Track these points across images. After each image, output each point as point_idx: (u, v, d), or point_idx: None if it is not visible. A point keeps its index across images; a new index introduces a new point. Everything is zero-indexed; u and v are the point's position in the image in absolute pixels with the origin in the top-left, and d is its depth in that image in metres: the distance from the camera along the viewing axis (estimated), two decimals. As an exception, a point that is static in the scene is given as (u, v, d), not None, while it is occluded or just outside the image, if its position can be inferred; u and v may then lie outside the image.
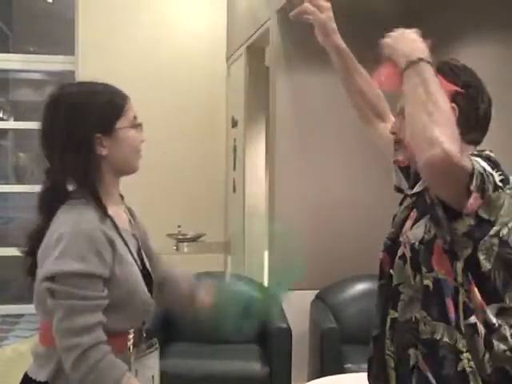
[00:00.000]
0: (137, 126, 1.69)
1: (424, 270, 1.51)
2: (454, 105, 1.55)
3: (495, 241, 1.45)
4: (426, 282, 1.50)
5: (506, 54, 3.47)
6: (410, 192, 1.70)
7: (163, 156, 5.51)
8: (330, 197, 4.33)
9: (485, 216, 1.42)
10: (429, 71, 1.42)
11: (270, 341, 3.81)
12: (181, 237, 5.34)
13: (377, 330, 1.68)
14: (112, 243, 1.59)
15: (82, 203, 1.60)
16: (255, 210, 5.11)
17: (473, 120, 1.57)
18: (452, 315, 1.46)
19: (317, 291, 4.21)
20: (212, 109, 5.75)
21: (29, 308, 6.38)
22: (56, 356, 1.56)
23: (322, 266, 4.26)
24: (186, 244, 5.37)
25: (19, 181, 8.73)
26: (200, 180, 5.69)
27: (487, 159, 1.47)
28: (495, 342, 1.45)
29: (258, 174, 5.11)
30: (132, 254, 1.68)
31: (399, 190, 1.80)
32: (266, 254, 4.63)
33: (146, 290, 1.68)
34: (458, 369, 1.45)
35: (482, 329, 1.45)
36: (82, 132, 1.59)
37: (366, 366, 1.74)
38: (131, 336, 1.67)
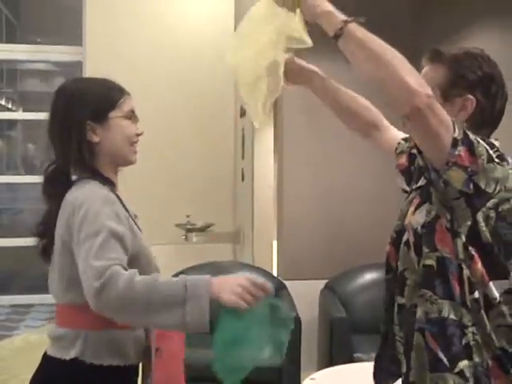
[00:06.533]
0: (131, 117, 1.74)
1: (426, 250, 1.51)
2: (471, 96, 1.53)
3: (492, 214, 1.45)
4: (428, 261, 1.51)
5: (508, 40, 3.47)
6: (414, 186, 1.69)
7: (172, 146, 5.51)
8: (339, 186, 4.32)
9: (481, 185, 1.42)
10: (358, 30, 1.44)
11: (280, 330, 3.81)
12: (189, 227, 5.34)
13: (385, 326, 1.68)
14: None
15: (89, 182, 1.67)
16: (264, 200, 5.10)
17: (488, 116, 1.56)
18: (457, 292, 1.47)
19: (326, 280, 4.20)
20: (220, 98, 5.73)
21: (39, 298, 6.45)
22: (80, 333, 1.61)
23: (331, 255, 4.26)
24: (194, 234, 5.38)
25: (28, 172, 8.76)
26: (209, 170, 5.68)
27: (482, 139, 1.46)
28: (491, 317, 1.46)
29: (266, 164, 5.10)
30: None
31: (405, 191, 1.80)
32: (275, 243, 4.63)
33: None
34: (463, 342, 1.46)
35: (482, 302, 1.46)
36: (74, 119, 1.68)
37: (375, 355, 1.74)
38: None
